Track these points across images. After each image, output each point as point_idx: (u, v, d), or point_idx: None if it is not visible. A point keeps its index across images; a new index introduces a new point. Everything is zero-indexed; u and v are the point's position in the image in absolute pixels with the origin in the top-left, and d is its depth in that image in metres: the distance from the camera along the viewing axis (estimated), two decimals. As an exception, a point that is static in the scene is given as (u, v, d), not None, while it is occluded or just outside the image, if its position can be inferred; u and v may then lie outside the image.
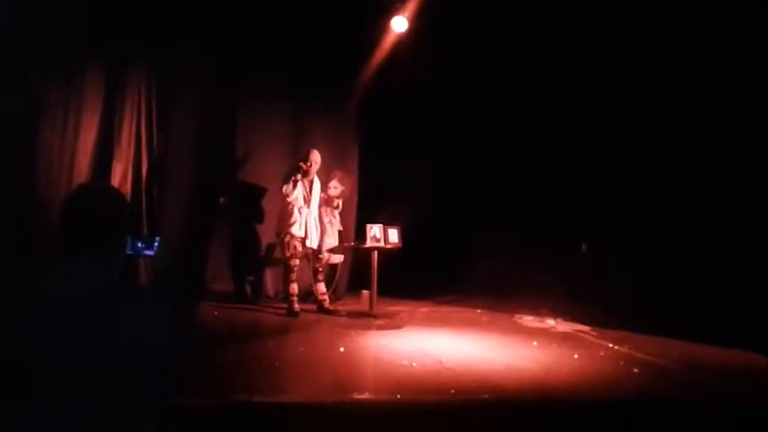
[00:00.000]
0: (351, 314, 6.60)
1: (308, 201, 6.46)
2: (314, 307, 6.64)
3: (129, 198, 6.61)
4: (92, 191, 1.69)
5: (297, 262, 6.37)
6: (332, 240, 6.83)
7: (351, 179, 7.96)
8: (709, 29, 5.87)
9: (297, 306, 6.31)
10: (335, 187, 6.88)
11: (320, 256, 6.65)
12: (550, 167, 7.51)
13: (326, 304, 6.59)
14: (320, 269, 6.63)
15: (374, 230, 6.57)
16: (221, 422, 3.05)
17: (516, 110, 7.66)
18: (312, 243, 6.52)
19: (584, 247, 7.35)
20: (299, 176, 6.39)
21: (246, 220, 7.35)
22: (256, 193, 7.35)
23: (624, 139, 6.83)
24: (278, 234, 6.58)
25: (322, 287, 6.64)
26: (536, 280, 7.19)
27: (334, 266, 7.39)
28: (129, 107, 6.75)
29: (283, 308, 6.47)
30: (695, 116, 6.26)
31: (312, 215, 6.52)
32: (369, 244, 6.53)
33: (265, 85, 7.54)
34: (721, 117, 6.07)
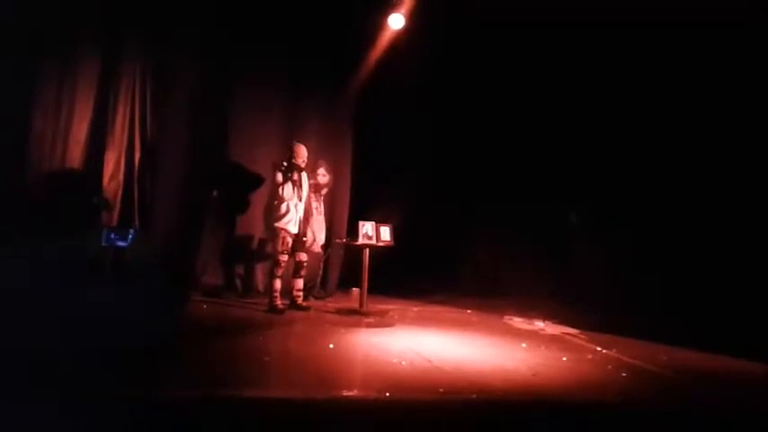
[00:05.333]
0: (341, 311, 6.59)
1: (300, 196, 6.44)
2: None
3: (114, 186, 6.56)
4: (59, 176, 1.65)
5: (286, 257, 6.34)
6: (321, 229, 6.82)
7: (344, 174, 7.98)
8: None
9: (280, 302, 6.26)
10: (324, 175, 6.85)
11: (304, 239, 6.58)
12: (545, 167, 7.54)
13: (300, 300, 6.55)
14: (303, 264, 6.59)
15: (366, 228, 6.57)
16: (210, 416, 3.03)
17: (512, 108, 7.69)
18: (300, 234, 6.49)
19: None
20: (295, 176, 6.37)
21: (238, 213, 7.31)
22: (249, 186, 7.31)
23: (618, 136, 6.88)
24: (268, 228, 6.53)
25: (300, 283, 6.58)
26: (526, 281, 7.24)
27: (321, 261, 7.38)
28: (123, 96, 6.72)
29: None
30: (693, 112, 6.31)
31: (302, 208, 6.51)
32: (360, 241, 6.53)
33: (261, 78, 7.50)
34: (722, 112, 6.11)
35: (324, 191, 6.92)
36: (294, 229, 6.34)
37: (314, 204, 6.74)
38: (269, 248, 6.99)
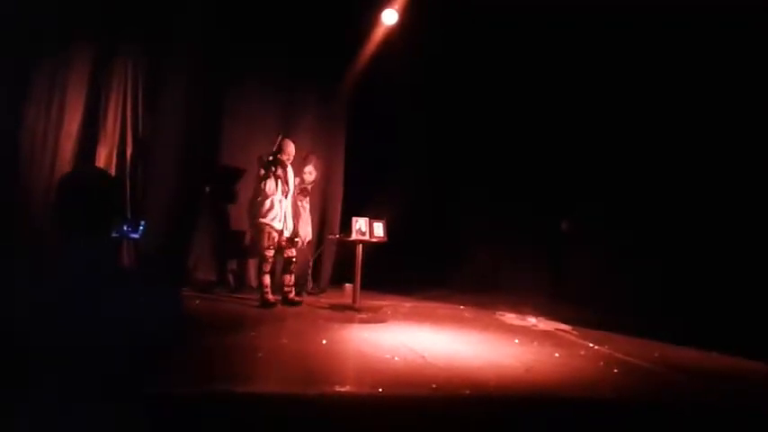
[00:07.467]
0: (334, 307, 6.58)
1: (285, 192, 6.42)
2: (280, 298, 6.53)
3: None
4: (87, 173, 1.65)
5: (272, 253, 6.32)
6: (307, 228, 6.82)
7: (338, 170, 7.97)
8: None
9: (271, 297, 6.26)
10: (310, 173, 6.84)
11: (296, 240, 6.60)
12: (542, 164, 7.55)
13: (291, 295, 6.54)
14: (293, 260, 6.57)
15: (360, 224, 6.55)
16: (203, 411, 3.02)
17: (509, 106, 7.71)
18: (288, 232, 6.49)
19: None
20: (279, 172, 6.34)
21: (231, 209, 7.28)
22: (241, 182, 7.28)
23: (617, 135, 6.90)
24: (253, 225, 6.50)
25: (290, 279, 6.58)
26: (520, 278, 7.25)
27: (311, 257, 7.38)
28: (116, 91, 6.67)
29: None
30: (693, 112, 6.32)
31: (288, 204, 6.49)
32: (354, 237, 6.51)
33: (254, 74, 7.46)
34: (722, 112, 6.13)
35: (309, 188, 6.90)
36: (279, 226, 6.31)
37: (299, 204, 6.73)
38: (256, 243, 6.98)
